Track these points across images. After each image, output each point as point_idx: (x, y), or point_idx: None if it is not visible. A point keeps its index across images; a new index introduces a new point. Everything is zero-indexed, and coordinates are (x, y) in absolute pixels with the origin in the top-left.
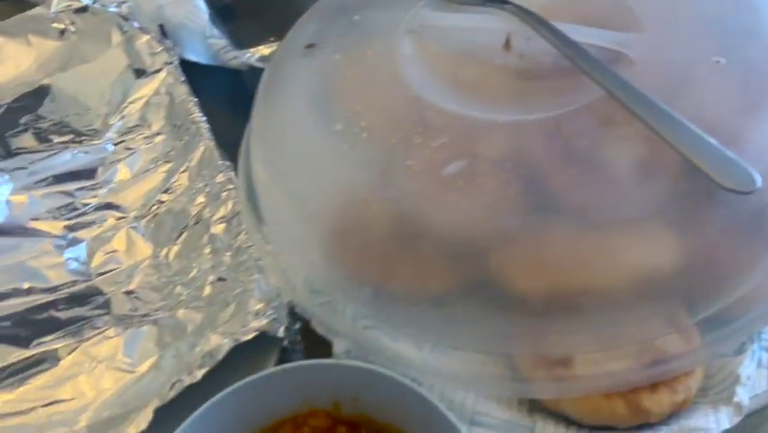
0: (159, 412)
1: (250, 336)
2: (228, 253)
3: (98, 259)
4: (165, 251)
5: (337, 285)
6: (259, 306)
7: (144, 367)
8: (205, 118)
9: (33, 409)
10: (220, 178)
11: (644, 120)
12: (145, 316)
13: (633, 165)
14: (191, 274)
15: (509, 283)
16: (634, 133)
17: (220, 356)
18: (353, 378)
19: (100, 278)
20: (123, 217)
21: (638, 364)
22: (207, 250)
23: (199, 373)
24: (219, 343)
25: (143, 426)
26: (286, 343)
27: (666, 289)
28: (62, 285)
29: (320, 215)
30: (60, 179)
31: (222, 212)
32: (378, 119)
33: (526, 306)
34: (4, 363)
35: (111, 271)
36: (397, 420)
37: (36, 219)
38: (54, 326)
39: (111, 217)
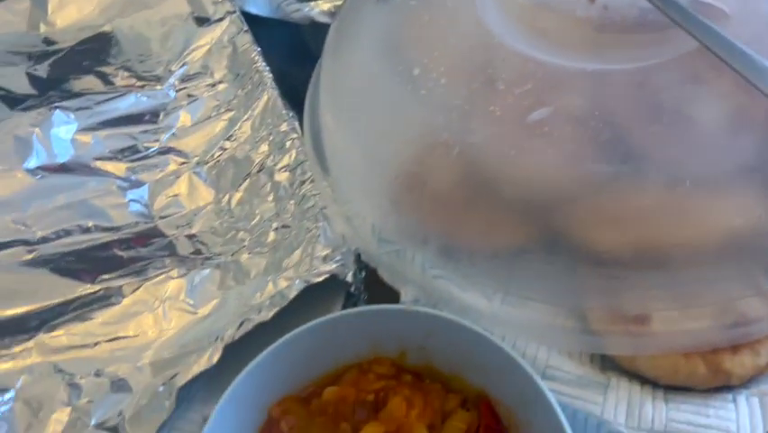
0: (224, 351)
1: (321, 279)
2: (292, 201)
3: (160, 202)
4: (227, 197)
5: (406, 234)
6: (326, 252)
7: (206, 309)
8: (268, 68)
9: (98, 343)
10: (284, 127)
11: (740, 73)
12: (207, 259)
13: (722, 121)
14: (254, 221)
15: (589, 237)
16: (724, 88)
17: (291, 296)
18: (423, 325)
19: (162, 220)
20: (185, 163)
21: (718, 325)
22: (270, 198)
23: (269, 313)
24: (289, 283)
25: (210, 363)
26: (353, 289)
27: (749, 250)
28: (125, 225)
29: (392, 161)
30: (123, 121)
31: (285, 161)
32: (458, 64)
33: (605, 261)
34: (70, 297)
35: (173, 214)
36: (464, 371)
37: (100, 159)
38: (117, 264)
39: (173, 162)
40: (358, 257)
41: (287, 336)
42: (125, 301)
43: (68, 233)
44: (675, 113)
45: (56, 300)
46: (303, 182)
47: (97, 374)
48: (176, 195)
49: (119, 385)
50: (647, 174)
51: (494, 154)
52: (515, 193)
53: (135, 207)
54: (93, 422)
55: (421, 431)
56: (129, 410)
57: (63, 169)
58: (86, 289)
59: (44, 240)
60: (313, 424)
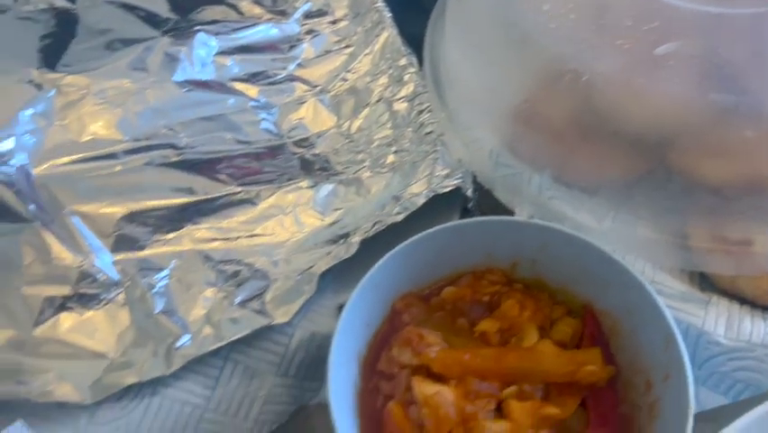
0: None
1: (446, 189)
2: (410, 129)
3: (288, 123)
4: (347, 123)
5: (524, 160)
6: (446, 171)
7: (333, 217)
8: (388, 7)
9: (238, 238)
10: (403, 61)
11: None
12: (332, 175)
13: None
14: (373, 144)
15: (703, 167)
16: None
17: (419, 203)
18: (537, 237)
19: (290, 140)
20: (310, 90)
21: None
22: (389, 125)
23: (400, 216)
24: (415, 194)
25: (349, 253)
26: (470, 205)
27: None
28: (258, 141)
29: (517, 90)
30: (255, 48)
31: (404, 92)
32: (586, 1)
33: (716, 189)
34: (214, 196)
35: (299, 135)
36: (572, 283)
37: (236, 80)
38: (254, 172)
39: (299, 89)
40: (474, 179)
41: (414, 238)
42: (262, 204)
43: (209, 141)
44: None
45: (201, 197)
46: (421, 112)
47: (239, 263)
48: (301, 118)
49: (259, 274)
50: (763, 108)
51: (621, 83)
52: (637, 123)
53: (266, 125)
54: (237, 301)
55: (532, 330)
56: (269, 294)
57: (205, 85)
58: (228, 190)
59: (189, 146)
60: (432, 318)
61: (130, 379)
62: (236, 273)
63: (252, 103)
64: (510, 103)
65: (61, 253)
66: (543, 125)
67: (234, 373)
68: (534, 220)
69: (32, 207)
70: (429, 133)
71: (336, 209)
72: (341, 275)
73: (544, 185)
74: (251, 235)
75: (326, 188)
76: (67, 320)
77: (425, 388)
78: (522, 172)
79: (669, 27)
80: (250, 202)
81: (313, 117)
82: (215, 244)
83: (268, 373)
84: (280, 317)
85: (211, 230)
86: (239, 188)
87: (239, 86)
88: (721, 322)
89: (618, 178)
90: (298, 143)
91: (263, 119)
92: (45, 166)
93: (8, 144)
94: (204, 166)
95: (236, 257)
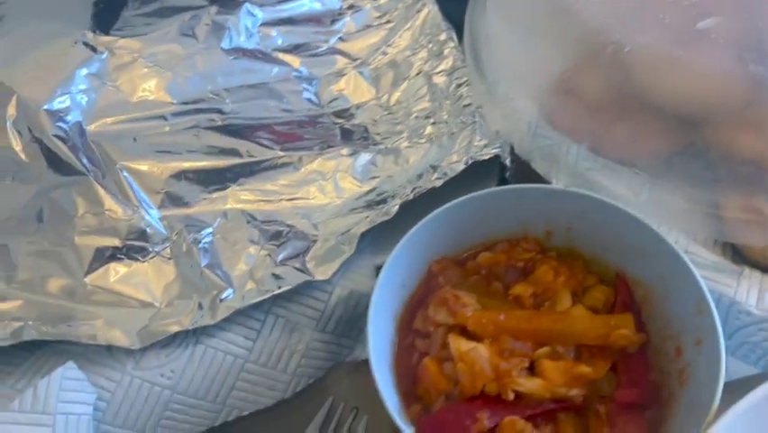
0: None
1: (486, 157)
2: (448, 101)
3: (328, 94)
4: (386, 96)
5: (563, 130)
6: (483, 141)
7: (371, 185)
8: None
9: (281, 200)
10: (443, 36)
11: None
12: (371, 144)
13: None
14: (412, 116)
15: (737, 142)
16: None
17: (459, 169)
18: (573, 205)
19: (330, 110)
20: (350, 63)
21: None
22: (428, 98)
23: (440, 181)
24: (455, 161)
25: (389, 215)
26: (508, 174)
27: None
28: (300, 110)
29: (557, 62)
30: (299, 22)
31: (443, 66)
32: None
33: (750, 163)
34: (258, 159)
35: (339, 106)
36: (605, 252)
37: (280, 51)
38: (296, 138)
39: (340, 61)
40: (512, 150)
41: (451, 203)
42: (303, 169)
43: (254, 108)
44: None
45: (246, 160)
46: (459, 85)
47: (281, 224)
48: (341, 90)
49: (300, 235)
50: None
51: (662, 57)
52: (677, 96)
53: (308, 95)
54: (279, 259)
55: (565, 295)
56: (310, 253)
57: (251, 54)
58: (272, 154)
59: (234, 111)
60: (467, 281)
61: (175, 327)
62: (278, 233)
63: (295, 73)
64: (551, 75)
65: (112, 207)
66: (582, 98)
67: (275, 326)
68: (570, 188)
69: (85, 161)
70: (467, 105)
71: (374, 177)
72: (379, 237)
73: (581, 156)
74: (293, 198)
75: (365, 156)
76: (116, 271)
77: (460, 344)
78: (560, 143)
79: (711, 1)
80: (292, 166)
81: (353, 89)
82: (258, 204)
83: (307, 328)
84: (320, 274)
85: (254, 192)
86: (282, 153)
87: (282, 56)
88: (753, 293)
89: (656, 151)
90: (338, 114)
91: (305, 89)
92: (98, 124)
93: (64, 102)
94: (248, 131)
95: (278, 218)
